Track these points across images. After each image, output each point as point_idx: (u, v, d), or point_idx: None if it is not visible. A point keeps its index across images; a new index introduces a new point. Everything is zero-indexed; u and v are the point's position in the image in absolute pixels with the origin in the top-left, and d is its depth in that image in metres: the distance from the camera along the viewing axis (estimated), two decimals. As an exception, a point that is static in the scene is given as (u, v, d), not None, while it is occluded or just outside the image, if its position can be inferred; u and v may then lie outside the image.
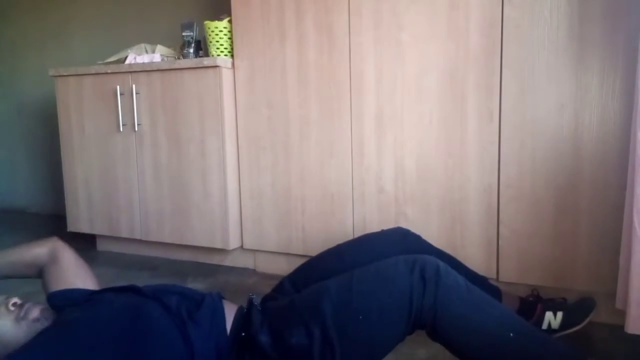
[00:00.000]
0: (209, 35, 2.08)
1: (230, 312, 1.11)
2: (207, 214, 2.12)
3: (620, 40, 1.44)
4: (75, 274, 1.22)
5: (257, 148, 2.05)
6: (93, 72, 2.30)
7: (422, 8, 1.69)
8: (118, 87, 2.23)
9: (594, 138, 1.50)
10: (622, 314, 1.31)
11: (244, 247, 2.14)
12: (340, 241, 1.43)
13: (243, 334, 1.06)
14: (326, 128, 1.90)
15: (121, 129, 2.25)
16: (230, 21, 2.06)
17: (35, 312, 1.05)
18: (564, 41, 1.51)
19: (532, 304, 1.43)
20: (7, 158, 3.54)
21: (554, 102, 1.54)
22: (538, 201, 1.58)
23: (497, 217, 1.64)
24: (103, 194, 2.36)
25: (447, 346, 1.02)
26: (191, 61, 2.09)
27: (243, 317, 1.10)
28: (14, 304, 1.05)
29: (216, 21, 2.06)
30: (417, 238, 1.42)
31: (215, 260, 2.26)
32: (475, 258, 1.66)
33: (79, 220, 2.45)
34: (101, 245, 2.54)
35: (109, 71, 2.26)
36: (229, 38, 2.07)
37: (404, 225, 1.55)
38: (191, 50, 2.20)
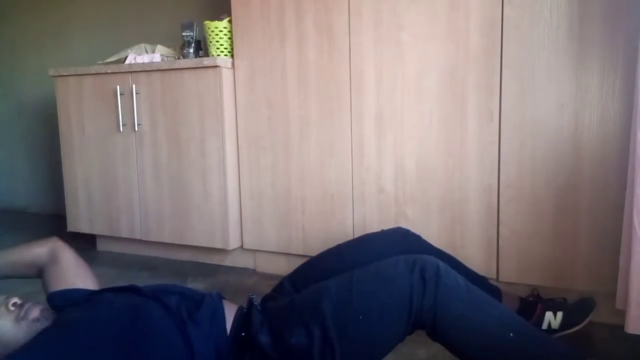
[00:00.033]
0: (209, 35, 2.08)
1: (230, 312, 1.11)
2: (207, 214, 2.12)
3: (620, 40, 1.44)
4: (75, 274, 1.22)
5: (257, 148, 2.05)
6: (93, 72, 2.30)
7: (422, 8, 1.69)
8: (118, 87, 2.23)
9: (594, 138, 1.50)
10: (622, 314, 1.31)
11: (244, 247, 2.14)
12: (340, 241, 1.43)
13: (243, 334, 1.07)
14: (326, 128, 1.90)
15: (121, 129, 2.25)
16: (230, 21, 2.06)
17: (35, 312, 1.05)
18: (564, 41, 1.51)
19: (532, 304, 1.43)
20: (7, 158, 3.54)
21: (554, 102, 1.54)
22: (538, 201, 1.58)
23: (497, 217, 1.64)
24: (103, 194, 2.36)
25: (447, 346, 1.02)
26: (191, 61, 2.09)
27: (243, 317, 1.10)
28: (14, 304, 1.05)
29: (216, 21, 2.06)
30: (417, 238, 1.42)
31: (215, 260, 2.26)
32: (475, 258, 1.66)
33: (79, 220, 2.45)
34: (101, 245, 2.54)
35: (109, 71, 2.26)
36: (229, 38, 2.07)
37: (404, 225, 1.55)
38: (191, 50, 2.20)
